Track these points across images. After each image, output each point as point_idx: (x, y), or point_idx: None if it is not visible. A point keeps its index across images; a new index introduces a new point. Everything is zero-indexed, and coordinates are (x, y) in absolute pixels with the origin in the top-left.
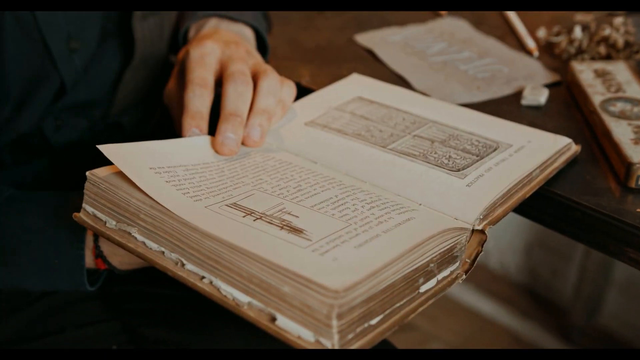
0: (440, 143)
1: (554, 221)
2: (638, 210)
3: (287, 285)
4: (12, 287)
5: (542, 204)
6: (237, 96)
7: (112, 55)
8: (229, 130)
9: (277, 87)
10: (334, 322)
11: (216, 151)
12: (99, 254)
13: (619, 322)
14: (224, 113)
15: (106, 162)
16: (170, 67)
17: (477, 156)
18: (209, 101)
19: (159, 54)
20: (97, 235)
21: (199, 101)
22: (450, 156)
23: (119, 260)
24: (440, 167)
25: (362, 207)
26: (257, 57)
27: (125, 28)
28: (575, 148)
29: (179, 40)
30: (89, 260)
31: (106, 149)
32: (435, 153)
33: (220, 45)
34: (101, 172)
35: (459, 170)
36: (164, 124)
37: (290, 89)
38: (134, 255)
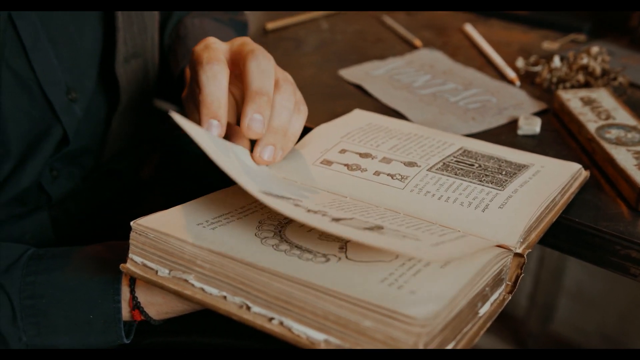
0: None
1: (571, 247)
2: None
3: (368, 320)
4: (43, 347)
5: (558, 231)
6: (260, 73)
7: (99, 102)
8: (256, 111)
9: (291, 99)
10: None
11: (244, 133)
12: (136, 305)
13: (571, 328)
14: (249, 92)
15: (104, 208)
16: (157, 111)
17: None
18: (225, 80)
19: (145, 97)
20: (133, 286)
21: (213, 84)
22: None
23: (156, 310)
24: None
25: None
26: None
27: (109, 73)
28: (585, 174)
29: (174, 83)
30: (125, 313)
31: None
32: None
33: (225, 42)
34: (147, 221)
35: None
36: (164, 168)
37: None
38: (172, 304)
